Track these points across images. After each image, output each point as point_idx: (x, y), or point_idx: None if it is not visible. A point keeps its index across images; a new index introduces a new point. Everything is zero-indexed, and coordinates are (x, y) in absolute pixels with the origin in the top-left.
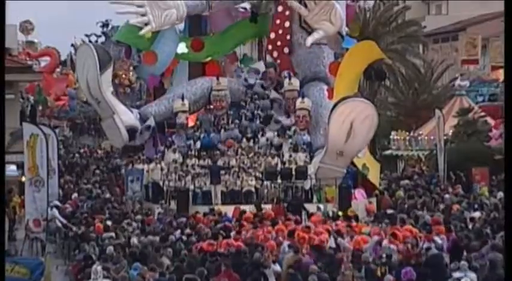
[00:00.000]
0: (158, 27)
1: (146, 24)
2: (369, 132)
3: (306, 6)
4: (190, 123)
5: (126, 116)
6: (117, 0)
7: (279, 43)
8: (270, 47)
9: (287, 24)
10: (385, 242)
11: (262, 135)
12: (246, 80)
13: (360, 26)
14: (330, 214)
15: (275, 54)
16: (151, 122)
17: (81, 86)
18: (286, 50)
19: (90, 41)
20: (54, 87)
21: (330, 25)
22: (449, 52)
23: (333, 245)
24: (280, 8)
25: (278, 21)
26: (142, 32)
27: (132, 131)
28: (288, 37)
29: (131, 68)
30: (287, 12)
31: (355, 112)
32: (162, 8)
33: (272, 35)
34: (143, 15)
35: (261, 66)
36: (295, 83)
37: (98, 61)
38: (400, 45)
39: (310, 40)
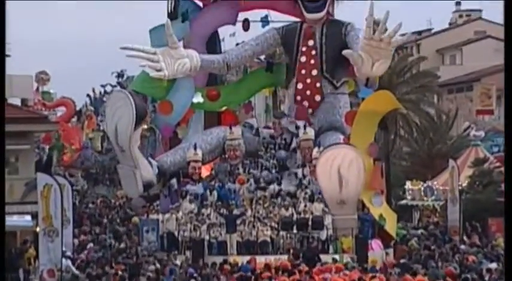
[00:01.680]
0: (171, 75)
1: (159, 71)
2: (359, 175)
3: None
4: (206, 173)
5: (146, 171)
6: (129, 47)
7: (308, 92)
8: (298, 97)
9: (314, 72)
10: None
11: (278, 184)
12: (257, 130)
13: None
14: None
15: (305, 104)
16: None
17: (107, 131)
18: (317, 97)
19: (105, 92)
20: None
21: (370, 66)
22: (464, 102)
23: None
24: (303, 58)
25: (304, 72)
26: (152, 74)
27: (147, 185)
28: (318, 85)
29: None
30: (312, 61)
31: (338, 159)
32: (175, 57)
33: (300, 86)
34: (155, 62)
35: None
36: (310, 132)
37: (136, 115)
38: (415, 95)
39: (347, 52)
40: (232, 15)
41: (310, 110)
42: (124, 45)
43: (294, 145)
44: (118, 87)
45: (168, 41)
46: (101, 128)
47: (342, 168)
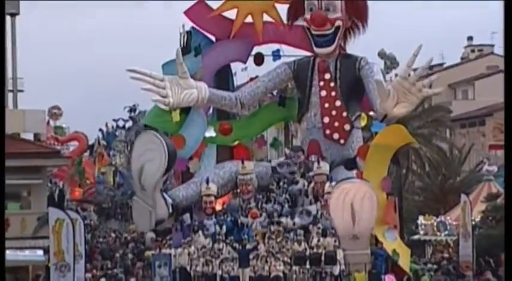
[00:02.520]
0: (175, 104)
1: (163, 98)
2: (372, 210)
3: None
4: (218, 208)
5: (161, 210)
6: (136, 70)
7: (337, 124)
8: (328, 131)
9: (338, 103)
10: None
11: (291, 219)
12: (275, 169)
13: None
14: None
15: (336, 136)
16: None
17: (132, 167)
18: (347, 127)
19: (118, 126)
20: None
21: (393, 104)
22: (477, 137)
23: None
24: (324, 93)
25: (327, 105)
26: (153, 98)
27: (159, 221)
28: (344, 114)
29: None
30: (333, 93)
31: (351, 194)
32: (183, 86)
33: (326, 120)
34: (161, 88)
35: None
36: (325, 167)
37: (168, 164)
38: (427, 129)
39: (378, 80)
40: (245, 52)
41: (342, 141)
42: (131, 68)
43: (301, 183)
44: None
45: (178, 70)
46: (113, 162)
47: (354, 203)
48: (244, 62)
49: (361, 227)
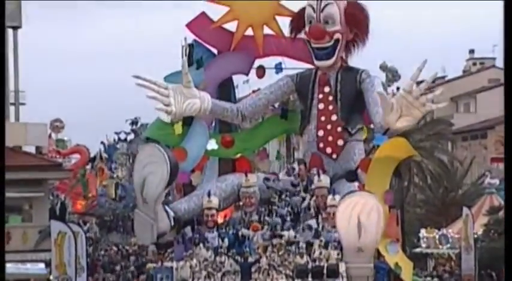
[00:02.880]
0: (178, 113)
1: (166, 106)
2: (378, 223)
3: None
4: (220, 220)
5: (163, 223)
6: (142, 77)
7: (330, 138)
8: (321, 144)
9: (334, 117)
10: None
11: (293, 232)
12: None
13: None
14: None
15: (329, 150)
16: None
17: (134, 180)
18: (340, 142)
19: (119, 139)
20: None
21: (396, 117)
22: (479, 150)
23: None
24: (321, 105)
25: (323, 118)
26: (157, 107)
27: (161, 234)
28: (339, 129)
29: None
30: (330, 107)
31: (358, 206)
32: (187, 96)
33: (321, 133)
34: (165, 96)
35: None
36: (325, 180)
37: (169, 177)
38: (429, 142)
39: (380, 92)
40: (247, 65)
41: (334, 156)
42: (136, 74)
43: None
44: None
45: (183, 79)
46: (115, 175)
47: (362, 216)
48: (247, 75)
49: (367, 240)
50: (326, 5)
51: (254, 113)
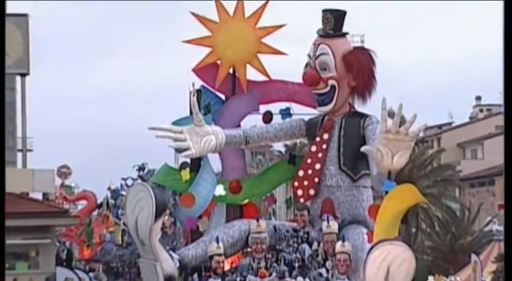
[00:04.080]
0: (198, 153)
1: (186, 150)
2: (406, 276)
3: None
4: (227, 267)
5: (166, 264)
6: (157, 127)
7: (306, 183)
8: (296, 183)
9: (318, 166)
10: None
11: (302, 278)
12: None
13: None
14: None
15: (299, 192)
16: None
17: (128, 224)
18: (311, 191)
19: (126, 185)
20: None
21: (390, 159)
22: (486, 196)
23: None
24: (314, 148)
25: (310, 161)
26: (182, 154)
27: (168, 279)
28: (316, 180)
29: (167, 211)
30: (320, 155)
31: (391, 256)
32: (201, 134)
33: (301, 173)
34: (183, 141)
35: None
36: (334, 226)
37: (155, 209)
38: (436, 189)
39: (365, 148)
40: (255, 103)
41: (302, 200)
42: (152, 126)
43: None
44: (139, 181)
45: (194, 118)
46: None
47: (392, 265)
48: (257, 110)
49: None
50: (321, 54)
51: (257, 143)
